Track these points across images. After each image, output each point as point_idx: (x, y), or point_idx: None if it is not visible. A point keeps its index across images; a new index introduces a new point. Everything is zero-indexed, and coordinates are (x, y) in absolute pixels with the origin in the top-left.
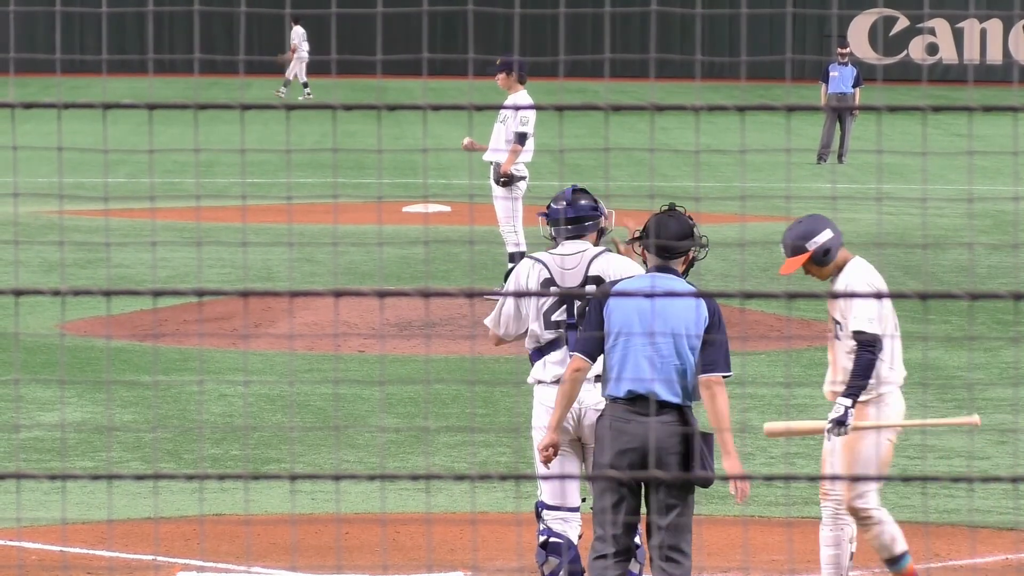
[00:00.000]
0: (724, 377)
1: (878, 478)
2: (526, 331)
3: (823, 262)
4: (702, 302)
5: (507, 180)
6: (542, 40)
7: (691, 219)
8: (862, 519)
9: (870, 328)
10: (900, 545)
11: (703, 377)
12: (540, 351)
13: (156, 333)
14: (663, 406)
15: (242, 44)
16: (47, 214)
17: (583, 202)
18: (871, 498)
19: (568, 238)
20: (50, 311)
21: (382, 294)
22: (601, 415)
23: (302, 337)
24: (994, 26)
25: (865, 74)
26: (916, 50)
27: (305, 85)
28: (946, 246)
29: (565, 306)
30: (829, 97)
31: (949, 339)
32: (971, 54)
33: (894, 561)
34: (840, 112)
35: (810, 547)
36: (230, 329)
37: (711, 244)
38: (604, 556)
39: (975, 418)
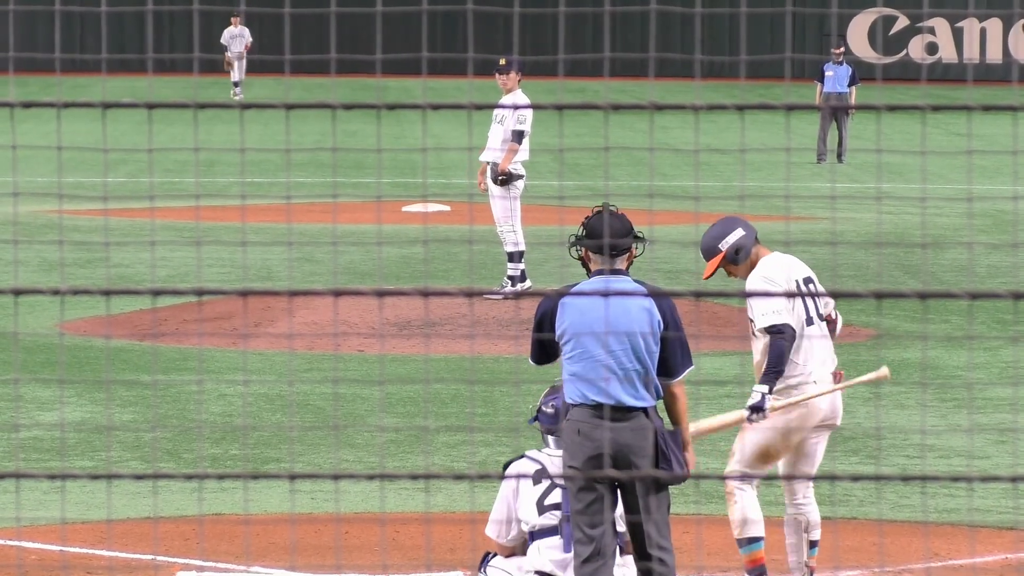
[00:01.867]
0: (687, 371)
1: (880, 478)
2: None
3: (736, 260)
4: (654, 302)
5: (505, 179)
6: (542, 39)
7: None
8: (728, 492)
9: (777, 320)
10: (754, 530)
11: (665, 383)
12: (532, 535)
13: (155, 332)
14: (628, 410)
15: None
16: (47, 213)
17: None
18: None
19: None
20: (49, 310)
21: (381, 293)
22: (567, 420)
23: (302, 336)
24: (994, 25)
25: (864, 73)
26: (916, 49)
27: (238, 84)
28: (946, 245)
29: (560, 491)
30: (825, 96)
31: (949, 338)
32: (971, 53)
33: (744, 543)
34: (836, 111)
35: None
36: (229, 328)
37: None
38: (589, 559)
39: (884, 371)
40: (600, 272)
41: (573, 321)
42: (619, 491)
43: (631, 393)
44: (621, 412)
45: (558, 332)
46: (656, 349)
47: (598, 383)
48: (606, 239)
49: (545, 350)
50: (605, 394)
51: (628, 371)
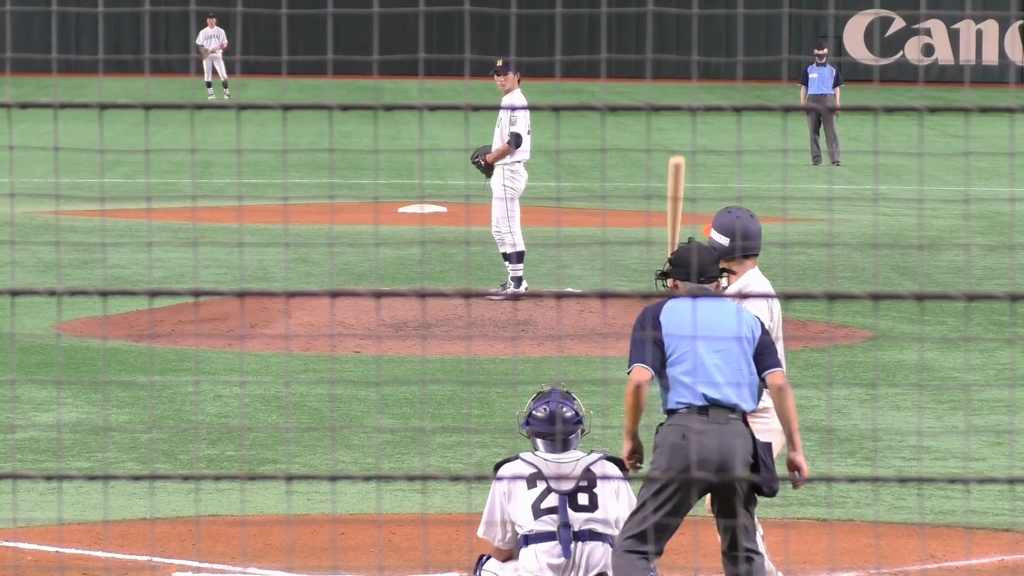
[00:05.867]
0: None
1: (877, 479)
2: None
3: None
4: (744, 310)
5: (488, 170)
6: (538, 40)
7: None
8: None
9: None
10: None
11: (769, 374)
12: (527, 539)
13: (152, 333)
14: (733, 411)
15: (238, 44)
16: (43, 214)
17: (568, 414)
18: None
19: (554, 450)
20: (46, 311)
21: (378, 295)
22: (667, 424)
23: (298, 338)
24: (990, 27)
25: (860, 75)
26: (912, 51)
27: (210, 85)
28: (942, 247)
29: (556, 496)
30: (810, 99)
31: (945, 340)
32: (967, 55)
33: None
34: (819, 113)
35: (806, 548)
36: (226, 329)
37: None
38: (642, 554)
39: None
40: (691, 294)
41: (679, 326)
42: (714, 495)
43: (738, 394)
44: (725, 414)
45: (665, 337)
46: (751, 352)
47: (706, 385)
48: (694, 268)
49: (659, 351)
50: (714, 394)
51: (736, 372)
